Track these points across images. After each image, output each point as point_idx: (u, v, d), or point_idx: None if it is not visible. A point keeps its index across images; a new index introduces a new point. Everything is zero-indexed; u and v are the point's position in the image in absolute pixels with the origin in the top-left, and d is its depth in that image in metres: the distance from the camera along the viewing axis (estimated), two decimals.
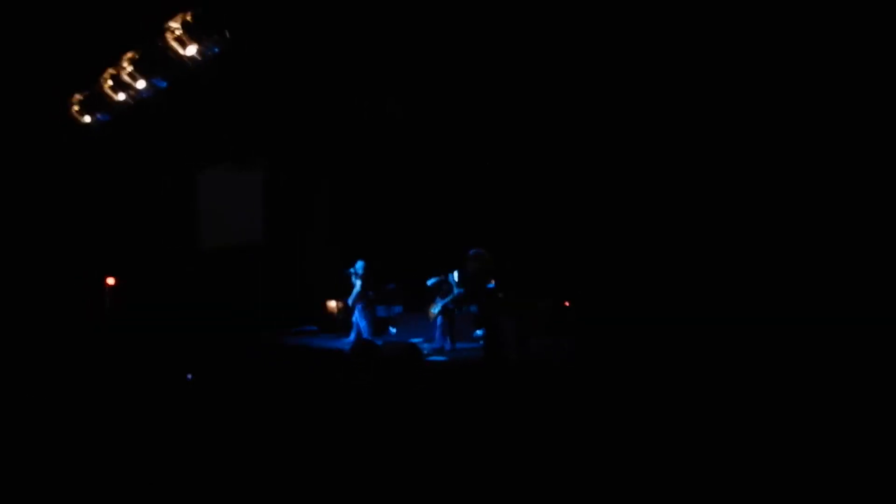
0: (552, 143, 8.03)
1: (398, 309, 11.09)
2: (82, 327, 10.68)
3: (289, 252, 11.62)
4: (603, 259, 7.90)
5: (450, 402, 4.63)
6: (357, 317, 9.07)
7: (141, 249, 12.79)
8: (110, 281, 13.11)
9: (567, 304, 8.42)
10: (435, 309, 8.46)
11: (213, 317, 11.45)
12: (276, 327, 11.09)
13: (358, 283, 9.06)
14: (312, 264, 12.19)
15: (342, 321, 9.87)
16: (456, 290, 8.37)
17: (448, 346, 8.19)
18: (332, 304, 11.89)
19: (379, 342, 7.53)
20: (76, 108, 11.01)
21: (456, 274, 8.74)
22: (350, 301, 9.08)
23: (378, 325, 11.19)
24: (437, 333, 8.46)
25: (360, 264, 9.13)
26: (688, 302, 6.23)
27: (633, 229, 7.40)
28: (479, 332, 9.08)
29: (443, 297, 8.45)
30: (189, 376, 6.05)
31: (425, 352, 7.96)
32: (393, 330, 10.95)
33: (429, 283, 8.42)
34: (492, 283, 8.37)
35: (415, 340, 8.61)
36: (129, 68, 9.84)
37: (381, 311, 11.01)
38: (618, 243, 7.66)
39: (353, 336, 9.17)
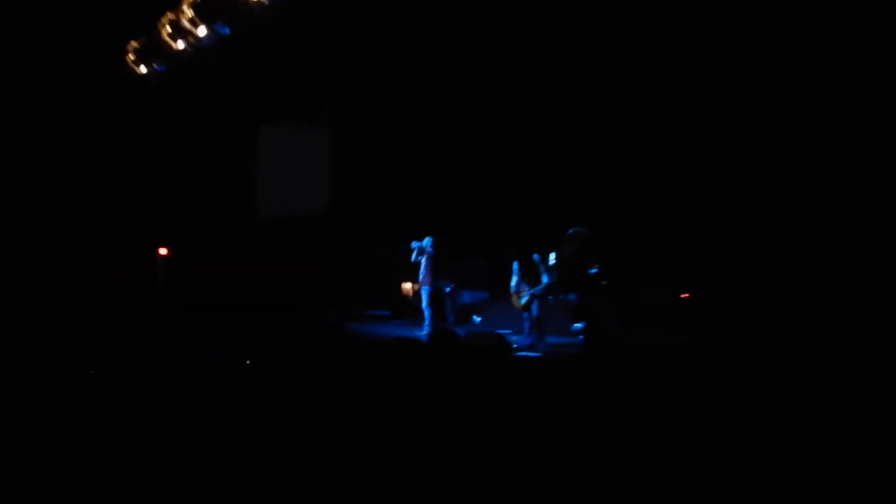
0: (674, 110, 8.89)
1: (483, 295, 11.72)
2: (132, 304, 11.78)
3: (359, 224, 12.69)
4: (731, 243, 8.22)
5: (541, 405, 4.78)
6: (423, 302, 9.77)
7: (196, 216, 13.22)
8: (163, 252, 13.92)
9: (686, 295, 8.58)
10: (523, 299, 8.79)
11: (272, 296, 12.51)
12: (342, 310, 12.12)
13: (423, 260, 9.82)
14: (386, 240, 12.89)
15: (419, 307, 10.59)
16: (545, 278, 8.63)
17: (541, 344, 8.55)
18: (408, 286, 12.72)
19: (461, 332, 7.87)
20: (132, 57, 11.49)
21: (552, 257, 8.92)
22: (420, 280, 9.81)
23: (462, 313, 11.86)
24: (526, 326, 8.78)
25: (427, 240, 9.96)
26: (829, 302, 6.59)
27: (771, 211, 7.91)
28: (577, 325, 9.40)
29: (531, 285, 8.70)
30: (248, 362, 6.71)
31: (515, 346, 8.29)
32: (477, 319, 11.55)
33: (534, 257, 8.87)
34: (594, 268, 8.59)
35: (502, 332, 8.88)
36: (190, 13, 10.31)
37: (467, 297, 11.90)
38: (751, 225, 8.09)
39: (426, 326, 9.83)
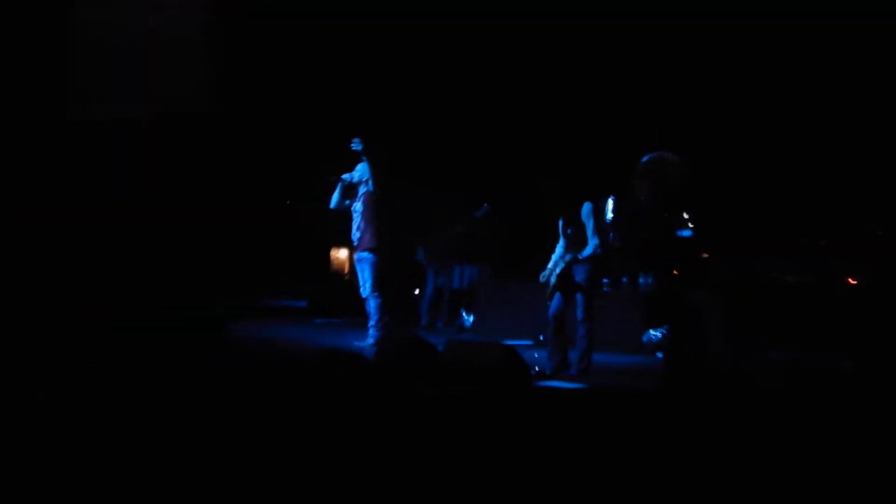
0: None
1: (473, 272, 12.29)
2: None
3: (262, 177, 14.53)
4: None
5: (582, 481, 4.73)
6: (365, 284, 9.95)
7: None
8: None
9: (855, 282, 8.88)
10: (555, 271, 8.60)
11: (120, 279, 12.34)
12: (231, 300, 12.45)
13: (358, 206, 9.96)
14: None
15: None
16: (592, 241, 8.39)
17: (581, 366, 8.41)
18: (341, 255, 13.62)
19: (438, 342, 7.94)
20: None
21: (610, 203, 9.07)
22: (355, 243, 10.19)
23: (436, 307, 12.25)
24: (551, 333, 8.63)
25: (362, 168, 9.94)
26: None
27: None
28: (653, 333, 9.53)
29: (568, 251, 8.55)
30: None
31: (535, 368, 8.23)
32: (468, 318, 11.69)
33: (585, 208, 8.55)
34: (686, 229, 8.49)
35: (513, 343, 8.87)
36: None
37: (441, 280, 12.32)
38: None
39: (372, 329, 9.69)
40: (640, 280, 10.01)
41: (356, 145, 9.77)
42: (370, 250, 10.00)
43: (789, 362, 8.21)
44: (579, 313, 8.47)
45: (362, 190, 10.08)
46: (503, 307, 11.21)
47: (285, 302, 13.53)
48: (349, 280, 12.97)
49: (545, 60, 13.25)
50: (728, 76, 11.61)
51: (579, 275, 8.49)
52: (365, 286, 10.01)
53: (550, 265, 8.93)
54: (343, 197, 10.15)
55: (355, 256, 10.36)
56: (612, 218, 9.37)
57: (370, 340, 9.66)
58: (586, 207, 8.52)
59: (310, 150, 13.94)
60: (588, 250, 8.41)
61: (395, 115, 13.88)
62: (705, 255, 8.66)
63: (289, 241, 14.01)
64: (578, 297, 8.52)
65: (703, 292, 8.58)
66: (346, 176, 10.08)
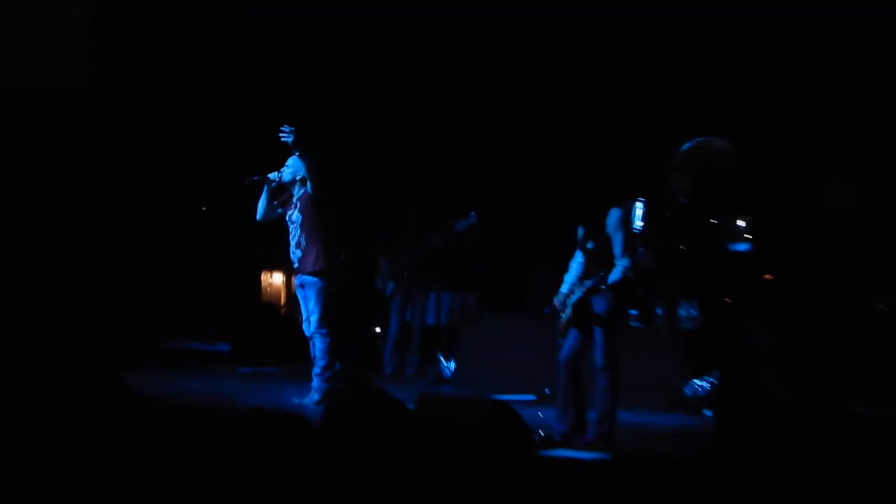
0: None
1: (453, 302, 12.62)
2: None
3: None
4: None
5: None
6: (310, 319, 10.10)
7: None
8: None
9: None
10: (570, 299, 8.63)
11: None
12: (128, 341, 12.60)
13: (294, 213, 10.16)
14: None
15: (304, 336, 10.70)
16: (621, 262, 8.36)
17: (601, 429, 8.46)
18: (275, 280, 13.44)
19: (407, 397, 7.92)
20: None
21: (638, 208, 9.12)
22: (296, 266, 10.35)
23: (403, 349, 12.25)
24: (563, 384, 8.72)
25: (294, 162, 10.12)
26: None
27: None
28: (698, 383, 9.59)
29: (589, 274, 8.59)
30: None
31: (539, 433, 8.38)
32: (447, 365, 11.73)
33: (612, 217, 8.52)
34: (742, 241, 8.75)
35: (509, 398, 9.01)
36: None
37: (411, 313, 12.44)
38: None
39: (318, 378, 9.86)
40: (681, 311, 9.96)
41: (286, 136, 9.69)
42: (317, 273, 9.93)
43: (882, 419, 8.02)
44: (599, 357, 8.35)
45: (298, 193, 10.09)
46: (495, 349, 11.09)
47: (199, 344, 13.21)
48: (286, 313, 12.95)
49: (547, 33, 13.30)
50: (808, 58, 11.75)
51: (600, 305, 8.40)
52: (310, 321, 9.94)
53: (564, 289, 8.85)
54: (271, 203, 10.14)
55: (296, 281, 10.33)
56: (642, 227, 9.35)
57: (315, 396, 9.63)
58: (614, 216, 8.43)
59: (235, 140, 13.83)
60: (615, 274, 8.31)
61: (340, 91, 14.05)
62: (768, 276, 8.62)
63: (204, 260, 13.90)
64: (599, 334, 8.40)
65: (765, 326, 8.48)
66: (272, 175, 10.06)
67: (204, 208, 14.54)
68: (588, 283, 8.45)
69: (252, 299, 13.67)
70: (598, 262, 8.48)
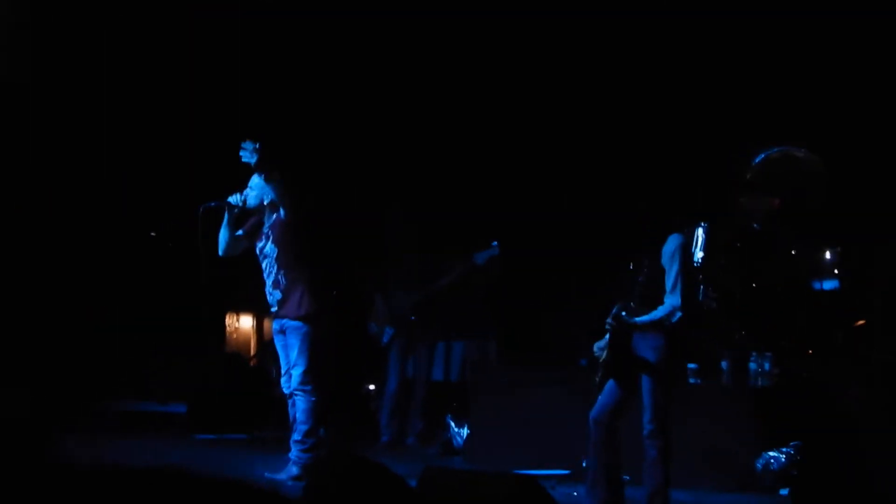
0: None
1: (466, 353, 12.70)
2: None
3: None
4: None
5: None
6: (292, 371, 10.19)
7: None
8: None
9: None
10: (600, 344, 8.80)
11: None
12: (52, 400, 12.51)
13: (268, 243, 10.21)
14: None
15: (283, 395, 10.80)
16: (670, 299, 8.49)
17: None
18: (242, 324, 13.30)
19: (409, 471, 7.82)
20: None
21: (700, 235, 9.15)
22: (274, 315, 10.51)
23: (404, 412, 12.28)
24: (595, 446, 8.73)
25: (257, 185, 10.24)
26: None
27: None
28: (773, 455, 9.46)
29: (631, 308, 8.75)
30: None
31: None
32: (458, 430, 11.74)
33: (671, 244, 8.63)
34: (829, 278, 8.88)
35: (536, 473, 9.18)
36: None
37: (413, 367, 12.58)
38: None
39: (296, 447, 9.93)
40: (752, 365, 9.87)
41: (247, 155, 9.73)
42: (303, 318, 9.95)
43: None
44: (647, 420, 8.36)
45: (269, 220, 10.12)
46: (519, 411, 11.11)
47: (150, 405, 13.32)
48: (257, 365, 12.91)
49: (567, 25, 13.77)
50: None
51: (648, 351, 8.41)
52: (291, 375, 9.95)
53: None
54: (234, 234, 10.21)
55: (274, 326, 10.38)
56: (704, 258, 9.38)
57: (293, 469, 9.62)
58: (672, 242, 8.52)
59: (191, 153, 13.93)
60: (658, 312, 8.41)
61: (310, 98, 14.20)
62: (861, 322, 8.69)
63: (154, 300, 13.95)
64: (646, 390, 8.41)
65: (857, 385, 8.50)
66: (233, 199, 10.10)
67: (153, 234, 14.41)
68: (631, 320, 8.55)
69: (213, 349, 13.56)
70: (648, 298, 8.58)
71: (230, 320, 13.60)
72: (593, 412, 8.59)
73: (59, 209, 14.75)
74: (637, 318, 8.48)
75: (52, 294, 14.48)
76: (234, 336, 13.63)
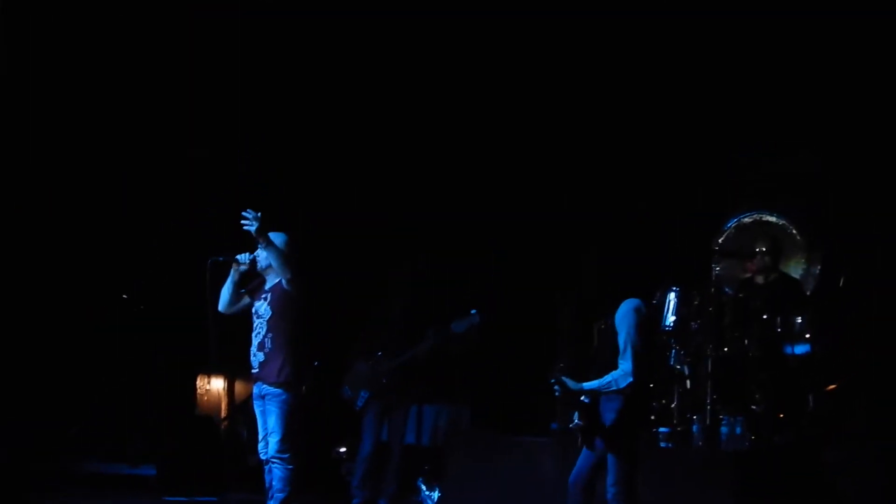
0: None
1: (441, 417, 12.74)
2: None
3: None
4: None
5: None
6: (269, 440, 10.06)
7: None
8: None
9: None
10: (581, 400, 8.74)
11: None
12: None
13: (264, 306, 10.17)
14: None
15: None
16: (622, 364, 8.47)
17: None
18: (216, 385, 13.30)
19: None
20: None
21: (671, 299, 9.23)
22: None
23: (377, 476, 12.12)
24: None
25: (255, 251, 10.11)
26: None
27: None
28: None
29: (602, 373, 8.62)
30: None
31: None
32: (429, 495, 11.73)
33: (622, 309, 8.63)
34: (801, 342, 8.83)
35: None
36: None
37: (388, 431, 12.33)
38: None
39: None
40: (723, 429, 9.78)
41: (249, 224, 9.68)
42: (283, 385, 9.87)
43: None
44: (611, 482, 8.34)
45: (271, 282, 10.06)
46: (493, 477, 11.06)
47: (117, 467, 13.11)
48: (228, 429, 12.83)
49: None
50: None
51: (609, 413, 8.43)
52: (270, 441, 9.89)
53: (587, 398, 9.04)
54: (238, 291, 10.12)
55: (254, 390, 10.25)
56: (675, 323, 9.32)
57: None
58: (625, 305, 8.55)
59: (168, 209, 13.87)
60: (607, 378, 8.38)
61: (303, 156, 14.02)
62: (833, 387, 8.61)
63: (124, 361, 13.74)
64: (609, 452, 8.46)
65: (835, 450, 8.44)
66: (242, 257, 10.01)
67: (125, 296, 14.46)
68: (578, 385, 8.51)
69: (185, 411, 13.48)
70: (604, 364, 8.52)
71: (201, 382, 13.44)
72: (571, 475, 8.60)
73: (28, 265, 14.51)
74: (586, 384, 8.50)
75: (23, 354, 14.14)
76: (205, 398, 13.48)
